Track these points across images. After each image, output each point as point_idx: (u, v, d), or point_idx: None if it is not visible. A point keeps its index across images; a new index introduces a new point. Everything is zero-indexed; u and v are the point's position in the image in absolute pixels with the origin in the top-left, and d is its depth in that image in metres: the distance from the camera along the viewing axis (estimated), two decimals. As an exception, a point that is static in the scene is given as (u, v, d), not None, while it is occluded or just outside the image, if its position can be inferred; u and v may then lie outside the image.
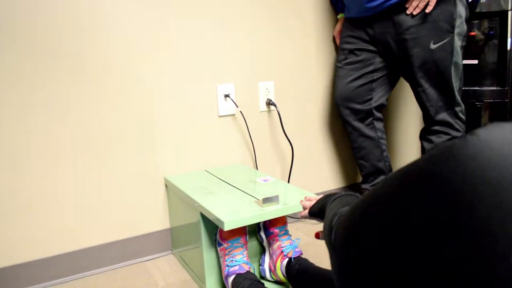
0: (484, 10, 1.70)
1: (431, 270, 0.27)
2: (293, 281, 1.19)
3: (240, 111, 1.62)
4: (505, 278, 0.22)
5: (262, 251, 1.32)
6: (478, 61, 1.76)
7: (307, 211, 0.85)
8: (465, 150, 0.26)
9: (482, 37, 1.74)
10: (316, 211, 0.79)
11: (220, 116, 1.60)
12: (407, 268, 0.29)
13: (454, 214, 0.25)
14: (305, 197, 0.91)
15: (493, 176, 0.24)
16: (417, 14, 1.41)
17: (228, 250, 1.19)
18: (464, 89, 1.70)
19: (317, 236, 0.84)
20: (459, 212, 0.25)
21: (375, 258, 0.33)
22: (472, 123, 1.72)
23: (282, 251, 1.23)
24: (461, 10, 1.42)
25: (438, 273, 0.26)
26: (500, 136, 0.26)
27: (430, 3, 1.38)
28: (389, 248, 0.31)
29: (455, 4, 1.40)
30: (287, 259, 1.21)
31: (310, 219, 0.83)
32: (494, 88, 1.74)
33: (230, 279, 1.15)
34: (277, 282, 1.28)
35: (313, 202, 0.84)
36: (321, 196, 0.82)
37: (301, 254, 1.24)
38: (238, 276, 1.14)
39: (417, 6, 1.39)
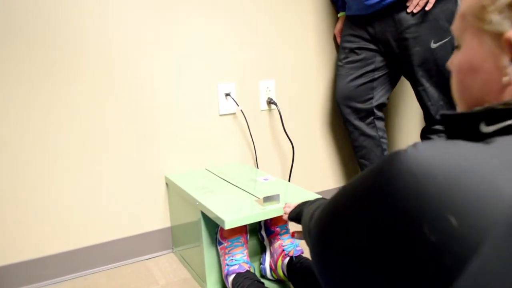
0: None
1: (385, 255, 0.35)
2: (294, 279, 1.19)
3: (241, 110, 1.62)
4: (426, 246, 0.32)
5: (263, 250, 1.32)
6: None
7: (287, 215, 0.92)
8: (403, 163, 0.34)
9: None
10: (294, 216, 0.87)
11: (221, 115, 1.60)
12: (367, 259, 0.36)
13: (395, 213, 0.34)
14: (286, 204, 0.98)
15: (421, 186, 0.32)
16: (417, 13, 1.40)
17: (228, 249, 1.19)
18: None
19: (293, 235, 0.94)
20: (398, 212, 0.34)
21: (342, 254, 0.39)
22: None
23: (283, 250, 1.23)
24: None
25: (390, 255, 0.34)
26: (429, 154, 0.34)
27: (430, 0, 1.37)
28: (351, 244, 0.38)
29: (455, 2, 1.40)
30: (288, 258, 1.21)
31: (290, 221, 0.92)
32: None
33: (230, 278, 1.15)
34: (277, 281, 1.29)
35: (292, 208, 0.92)
36: (299, 202, 0.90)
37: (302, 252, 1.24)
38: (238, 275, 1.14)
39: (417, 4, 1.39)
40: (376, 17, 1.50)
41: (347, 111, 1.65)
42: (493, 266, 0.30)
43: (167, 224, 1.54)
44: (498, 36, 0.41)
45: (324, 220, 0.44)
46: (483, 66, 0.43)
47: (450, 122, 0.43)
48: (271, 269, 1.27)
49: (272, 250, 1.28)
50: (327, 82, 1.82)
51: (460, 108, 0.48)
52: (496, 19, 0.41)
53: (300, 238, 0.93)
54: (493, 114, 0.38)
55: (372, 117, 1.64)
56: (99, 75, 1.36)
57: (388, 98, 1.66)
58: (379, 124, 1.66)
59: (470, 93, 0.46)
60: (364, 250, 0.36)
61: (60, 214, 1.35)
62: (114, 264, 1.45)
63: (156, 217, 1.51)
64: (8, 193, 1.27)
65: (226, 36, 1.56)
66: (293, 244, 1.24)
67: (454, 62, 0.48)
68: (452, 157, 0.33)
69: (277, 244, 1.26)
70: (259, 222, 1.30)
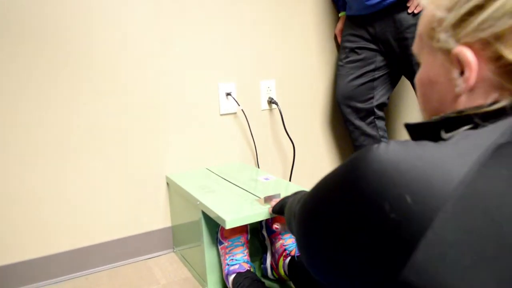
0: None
1: (356, 234, 0.40)
2: (295, 279, 1.19)
3: (242, 110, 1.62)
4: (387, 224, 0.37)
5: (264, 249, 1.32)
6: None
7: (271, 209, 1.00)
8: (374, 154, 0.40)
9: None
10: (278, 209, 0.96)
11: (221, 115, 1.60)
12: (342, 241, 0.42)
13: (365, 200, 0.39)
14: (265, 197, 1.07)
15: (385, 172, 0.38)
16: (418, 13, 1.40)
17: (229, 248, 1.19)
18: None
19: (276, 228, 1.01)
20: (366, 198, 0.39)
21: (322, 239, 0.45)
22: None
23: (285, 249, 1.23)
24: None
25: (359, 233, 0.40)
26: (397, 148, 0.39)
27: None
28: (329, 229, 0.44)
29: None
30: (289, 257, 1.21)
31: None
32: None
33: (231, 278, 1.15)
34: (278, 280, 1.29)
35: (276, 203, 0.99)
36: (282, 198, 0.96)
37: (303, 252, 1.24)
38: (239, 275, 1.14)
39: (418, 4, 1.39)
40: (376, 17, 1.50)
41: (347, 110, 1.65)
42: (446, 237, 0.35)
43: (168, 223, 1.54)
44: (447, 52, 0.47)
45: (306, 210, 0.50)
46: (438, 79, 0.49)
47: (414, 131, 0.49)
48: (272, 268, 1.27)
49: (273, 250, 1.28)
50: (328, 82, 1.82)
51: (423, 117, 0.53)
52: (443, 37, 0.47)
53: (283, 230, 0.99)
54: (449, 122, 0.44)
55: (372, 117, 1.64)
56: (99, 75, 1.36)
57: (388, 98, 1.66)
58: (380, 123, 1.66)
59: (430, 104, 0.51)
60: (340, 233, 0.42)
61: (61, 213, 1.35)
62: (115, 264, 1.45)
63: (157, 216, 1.52)
64: (9, 193, 1.28)
65: (227, 35, 1.56)
66: (294, 244, 1.24)
67: (417, 78, 0.54)
68: (415, 150, 0.39)
69: (278, 243, 1.26)
70: (260, 222, 1.30)
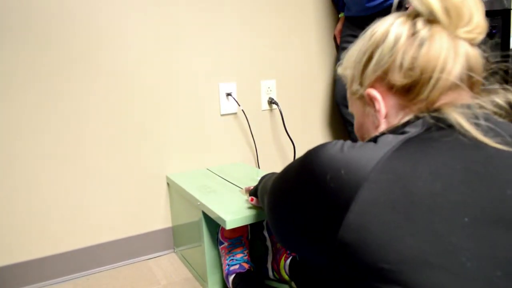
0: (486, 9, 1.70)
1: (307, 203, 0.53)
2: (297, 279, 1.19)
3: (242, 110, 1.62)
4: (328, 191, 0.50)
5: (265, 250, 1.32)
6: (480, 60, 1.76)
7: (248, 192, 1.13)
8: (324, 147, 0.54)
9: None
10: (254, 192, 1.09)
11: (222, 115, 1.60)
12: (298, 209, 0.55)
13: (314, 182, 0.53)
14: (245, 188, 1.18)
15: (330, 157, 0.52)
16: None
17: (229, 249, 1.19)
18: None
19: (251, 200, 1.10)
20: (313, 180, 0.53)
21: (284, 211, 0.59)
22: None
23: (286, 250, 1.23)
24: None
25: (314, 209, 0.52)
26: (342, 142, 0.54)
27: None
28: (290, 203, 0.57)
29: None
30: (290, 258, 1.22)
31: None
32: (496, 87, 1.73)
33: (231, 278, 1.16)
34: (279, 281, 1.29)
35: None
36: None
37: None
38: (239, 275, 1.14)
39: None
40: (376, 18, 1.50)
41: (346, 111, 1.65)
42: (369, 200, 0.46)
43: (169, 224, 1.54)
44: (362, 98, 0.65)
45: (275, 187, 0.64)
46: (364, 121, 0.67)
47: None
48: (273, 269, 1.27)
49: (274, 250, 1.28)
50: (328, 82, 1.82)
51: (360, 140, 0.69)
52: (356, 88, 0.66)
53: (257, 205, 1.11)
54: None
55: None
56: (99, 76, 1.36)
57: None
58: None
59: (362, 134, 0.69)
60: (297, 201, 0.56)
61: (62, 214, 1.36)
62: (116, 264, 1.45)
63: (157, 217, 1.52)
64: (9, 194, 1.28)
65: (228, 36, 1.57)
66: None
67: (354, 127, 0.73)
68: (351, 144, 0.53)
69: (279, 243, 1.26)
70: (261, 222, 1.30)
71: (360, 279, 0.46)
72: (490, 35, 1.74)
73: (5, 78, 1.23)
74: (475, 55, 0.58)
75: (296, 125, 1.76)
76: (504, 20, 1.70)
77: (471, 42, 0.58)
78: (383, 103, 0.61)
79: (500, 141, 0.50)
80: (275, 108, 1.70)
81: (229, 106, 1.60)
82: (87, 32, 1.32)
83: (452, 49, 0.56)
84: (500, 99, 0.59)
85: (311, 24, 1.74)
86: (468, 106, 0.55)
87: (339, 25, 1.74)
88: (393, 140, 0.51)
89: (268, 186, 0.69)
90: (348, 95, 0.71)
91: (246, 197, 1.19)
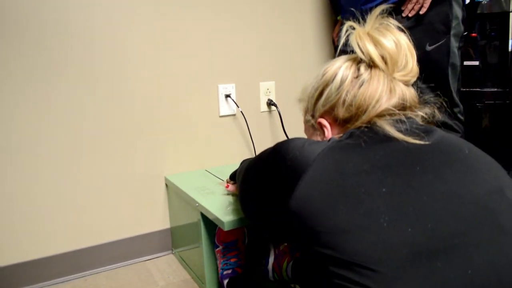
0: (485, 12, 1.70)
1: (270, 180, 0.68)
2: (300, 281, 1.19)
3: (241, 111, 1.62)
4: (286, 168, 0.64)
5: (266, 251, 1.32)
6: (479, 63, 1.76)
7: (229, 178, 1.23)
8: (289, 145, 0.66)
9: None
10: (233, 174, 1.20)
11: (221, 116, 1.60)
12: (264, 188, 0.70)
13: (282, 166, 0.66)
14: (227, 180, 1.26)
15: (293, 146, 0.65)
16: (412, 16, 1.41)
17: (223, 252, 1.19)
18: (465, 90, 1.69)
19: (227, 187, 1.21)
20: (281, 165, 0.66)
21: (252, 189, 0.75)
22: (473, 124, 1.72)
23: (289, 251, 1.23)
24: (458, 11, 1.42)
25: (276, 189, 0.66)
26: (297, 141, 0.67)
27: (424, 5, 1.37)
28: (258, 184, 0.72)
29: (450, 6, 1.39)
30: (293, 260, 1.21)
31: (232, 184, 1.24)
32: (495, 89, 1.74)
33: (225, 282, 1.16)
34: (280, 281, 1.28)
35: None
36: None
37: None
38: (232, 279, 1.15)
39: (412, 8, 1.39)
40: None
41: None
42: (313, 179, 0.60)
43: (167, 225, 1.54)
44: (313, 126, 0.81)
45: (247, 169, 0.78)
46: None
47: None
48: (274, 270, 1.27)
49: (276, 252, 1.27)
50: (327, 84, 1.82)
51: None
52: (308, 117, 0.82)
53: (232, 191, 1.22)
54: None
55: None
56: (98, 76, 1.36)
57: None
58: None
59: None
60: (263, 179, 0.70)
61: (60, 215, 1.35)
62: (114, 265, 1.45)
63: (155, 218, 1.51)
64: (9, 194, 1.28)
65: (226, 37, 1.57)
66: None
67: None
68: (307, 140, 0.66)
69: (282, 246, 1.25)
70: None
71: (306, 245, 0.59)
72: (489, 37, 1.74)
73: (3, 78, 1.23)
74: (410, 93, 0.76)
75: (295, 127, 1.76)
76: (503, 22, 1.70)
77: (405, 83, 0.75)
78: (330, 131, 0.77)
79: (413, 136, 0.65)
80: (274, 110, 1.70)
81: (228, 107, 1.60)
82: (84, 32, 1.32)
83: (388, 89, 0.72)
84: (423, 113, 0.77)
85: (310, 27, 1.74)
86: (392, 116, 0.70)
87: (337, 28, 1.74)
88: (334, 140, 0.67)
89: (245, 166, 0.83)
90: (304, 123, 0.86)
91: (226, 190, 1.27)
